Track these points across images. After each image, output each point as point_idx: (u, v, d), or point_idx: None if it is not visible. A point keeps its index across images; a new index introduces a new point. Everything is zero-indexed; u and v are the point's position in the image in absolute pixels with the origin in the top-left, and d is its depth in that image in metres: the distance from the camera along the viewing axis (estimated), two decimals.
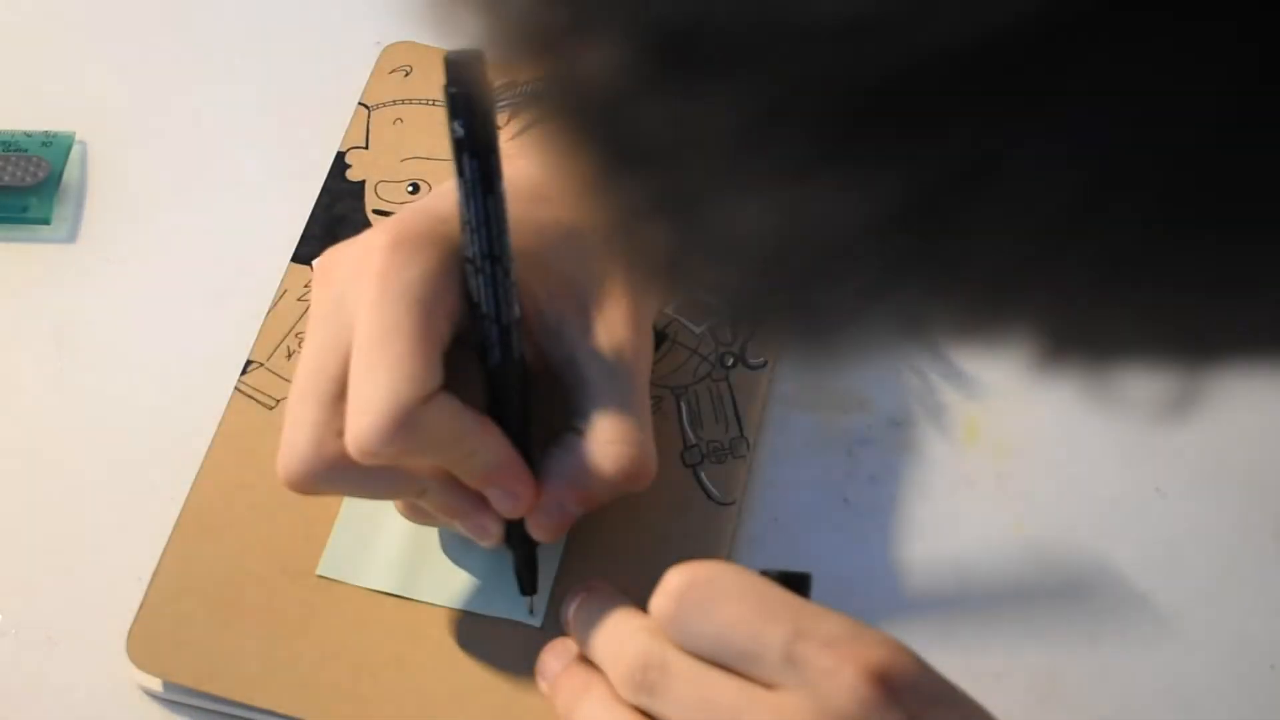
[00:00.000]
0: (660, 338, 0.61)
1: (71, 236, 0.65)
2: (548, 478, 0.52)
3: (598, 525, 0.56)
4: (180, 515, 0.56)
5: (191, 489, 0.57)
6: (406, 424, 0.47)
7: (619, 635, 0.48)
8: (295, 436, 0.49)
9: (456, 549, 0.56)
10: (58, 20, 0.72)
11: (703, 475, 0.58)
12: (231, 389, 0.60)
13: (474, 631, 0.54)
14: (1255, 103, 0.18)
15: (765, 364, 0.61)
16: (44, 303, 0.63)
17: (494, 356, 0.51)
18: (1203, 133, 0.18)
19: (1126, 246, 0.20)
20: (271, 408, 0.59)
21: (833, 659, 0.43)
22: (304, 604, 0.55)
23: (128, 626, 0.54)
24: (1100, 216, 0.20)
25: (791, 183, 0.21)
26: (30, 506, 0.58)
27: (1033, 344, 0.23)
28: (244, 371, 0.60)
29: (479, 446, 0.50)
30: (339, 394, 0.49)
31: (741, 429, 0.59)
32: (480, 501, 0.52)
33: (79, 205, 0.66)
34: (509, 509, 0.51)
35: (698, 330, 0.61)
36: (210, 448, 0.58)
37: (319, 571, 0.55)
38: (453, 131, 0.47)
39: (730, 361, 0.61)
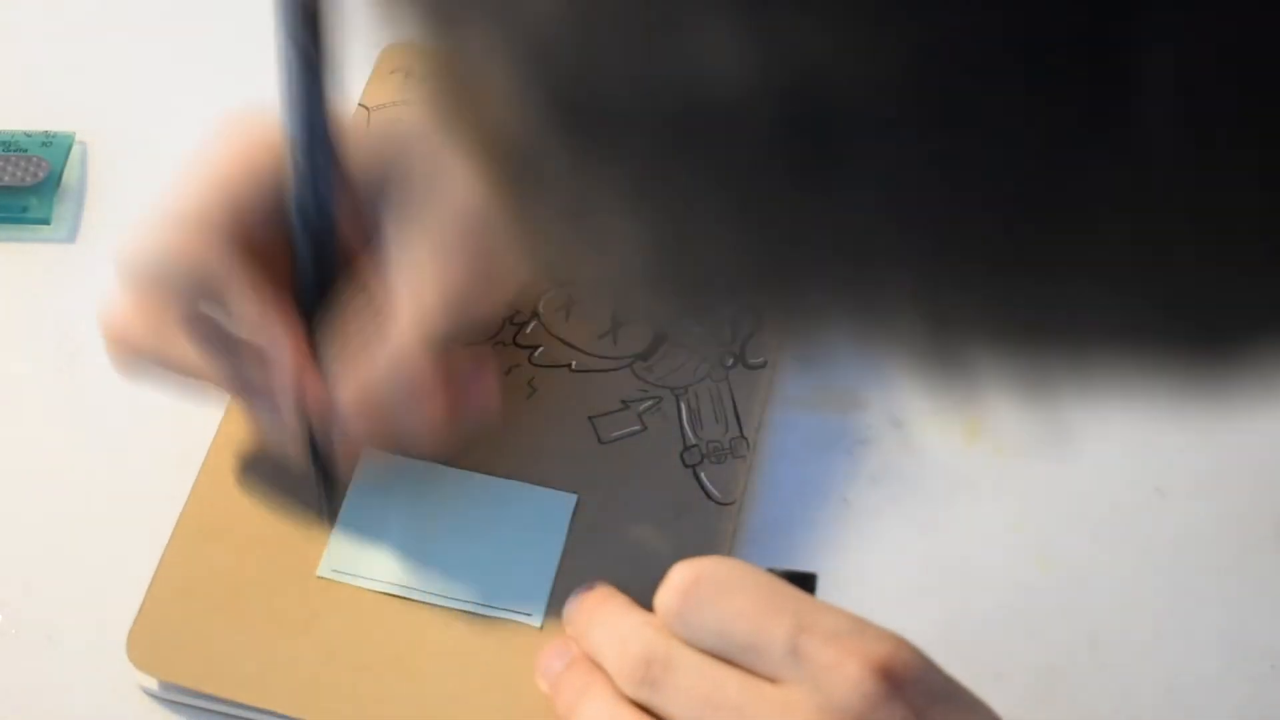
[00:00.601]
0: (659, 338, 0.61)
1: (71, 236, 0.65)
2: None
3: (598, 524, 0.56)
4: (180, 516, 0.56)
5: (192, 489, 0.57)
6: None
7: (621, 631, 0.48)
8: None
9: (456, 549, 0.56)
10: (58, 20, 0.72)
11: (703, 475, 0.58)
12: None
13: (474, 631, 0.54)
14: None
15: (765, 364, 0.61)
16: (44, 303, 0.63)
17: (300, 242, 0.52)
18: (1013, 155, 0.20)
19: (973, 236, 0.22)
20: None
21: (836, 653, 0.43)
22: (304, 604, 0.55)
23: (128, 626, 0.54)
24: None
25: (676, 214, 0.23)
26: (31, 506, 0.58)
27: (916, 333, 0.24)
28: None
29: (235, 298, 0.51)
30: None
31: (741, 429, 0.59)
32: (271, 388, 0.52)
33: (79, 205, 0.66)
34: (271, 375, 0.52)
35: (697, 331, 0.61)
36: (210, 448, 0.58)
37: (319, 572, 0.55)
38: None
39: (730, 361, 0.61)
